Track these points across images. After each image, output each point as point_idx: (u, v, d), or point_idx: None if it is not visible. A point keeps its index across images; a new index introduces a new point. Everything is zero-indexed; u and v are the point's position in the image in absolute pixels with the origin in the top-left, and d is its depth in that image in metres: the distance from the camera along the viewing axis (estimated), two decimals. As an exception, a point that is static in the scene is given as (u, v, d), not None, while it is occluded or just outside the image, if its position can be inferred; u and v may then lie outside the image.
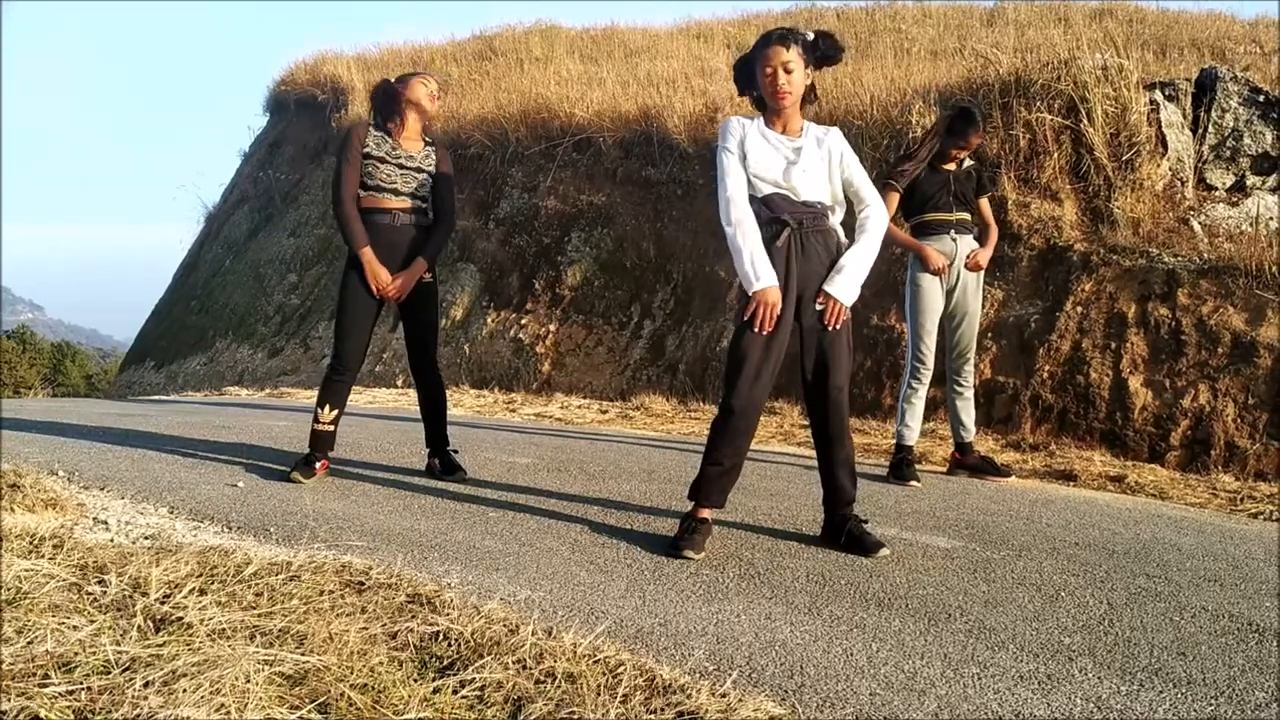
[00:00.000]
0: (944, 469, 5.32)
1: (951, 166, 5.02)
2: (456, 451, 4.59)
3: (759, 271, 3.18)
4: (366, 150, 4.21)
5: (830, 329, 3.28)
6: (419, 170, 4.29)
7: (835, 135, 3.41)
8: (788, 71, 3.25)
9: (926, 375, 5.03)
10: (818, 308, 3.27)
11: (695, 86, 11.21)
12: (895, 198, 4.94)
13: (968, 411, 5.17)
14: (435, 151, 4.38)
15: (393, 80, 4.36)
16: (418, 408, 4.61)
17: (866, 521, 3.44)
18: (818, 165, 3.32)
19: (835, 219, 3.37)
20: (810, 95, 3.38)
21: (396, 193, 4.25)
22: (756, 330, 3.19)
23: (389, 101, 4.30)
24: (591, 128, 11.11)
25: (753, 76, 3.36)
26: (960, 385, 5.14)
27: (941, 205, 4.96)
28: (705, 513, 3.36)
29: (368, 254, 4.20)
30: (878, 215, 3.36)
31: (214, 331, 14.96)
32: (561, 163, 11.29)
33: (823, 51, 3.32)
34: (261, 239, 15.67)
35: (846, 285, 3.27)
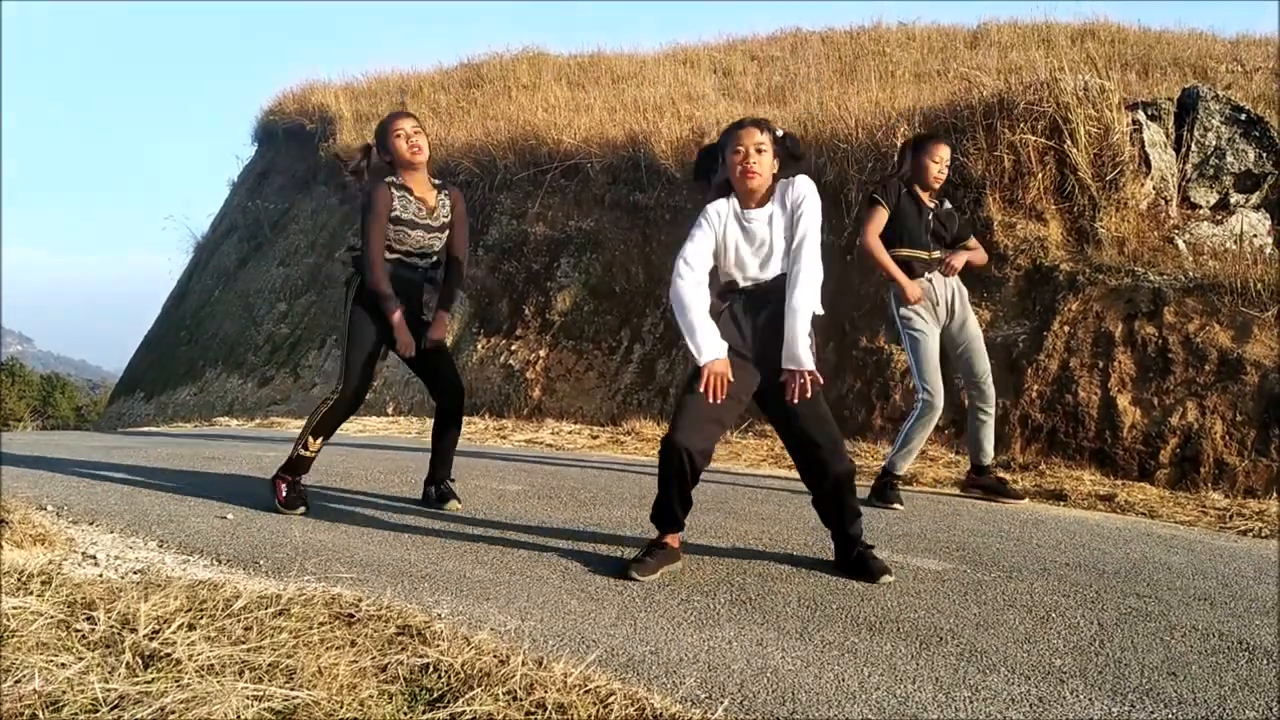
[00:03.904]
0: (934, 490, 5.33)
1: (933, 205, 4.98)
2: (453, 480, 4.58)
3: (703, 346, 3.23)
4: (395, 214, 4.17)
5: (807, 399, 3.24)
6: (443, 229, 4.32)
7: (800, 185, 3.38)
8: (759, 151, 3.32)
9: (934, 416, 4.92)
10: (786, 394, 3.24)
11: (682, 112, 11.27)
12: (883, 213, 4.86)
13: (988, 436, 5.13)
14: (449, 194, 4.39)
15: (372, 142, 4.32)
16: (409, 435, 4.61)
17: (873, 547, 3.43)
18: (779, 241, 3.34)
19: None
20: (772, 186, 3.41)
21: (425, 255, 4.29)
22: (710, 401, 3.19)
23: (388, 165, 4.28)
24: (579, 154, 11.16)
25: (714, 163, 3.46)
26: (984, 412, 5.07)
27: (920, 243, 4.91)
28: (669, 537, 3.38)
29: (398, 319, 4.17)
30: (807, 278, 3.29)
31: (204, 361, 14.92)
32: (550, 189, 11.33)
33: (787, 149, 3.42)
34: (251, 268, 15.66)
35: (799, 354, 3.23)
